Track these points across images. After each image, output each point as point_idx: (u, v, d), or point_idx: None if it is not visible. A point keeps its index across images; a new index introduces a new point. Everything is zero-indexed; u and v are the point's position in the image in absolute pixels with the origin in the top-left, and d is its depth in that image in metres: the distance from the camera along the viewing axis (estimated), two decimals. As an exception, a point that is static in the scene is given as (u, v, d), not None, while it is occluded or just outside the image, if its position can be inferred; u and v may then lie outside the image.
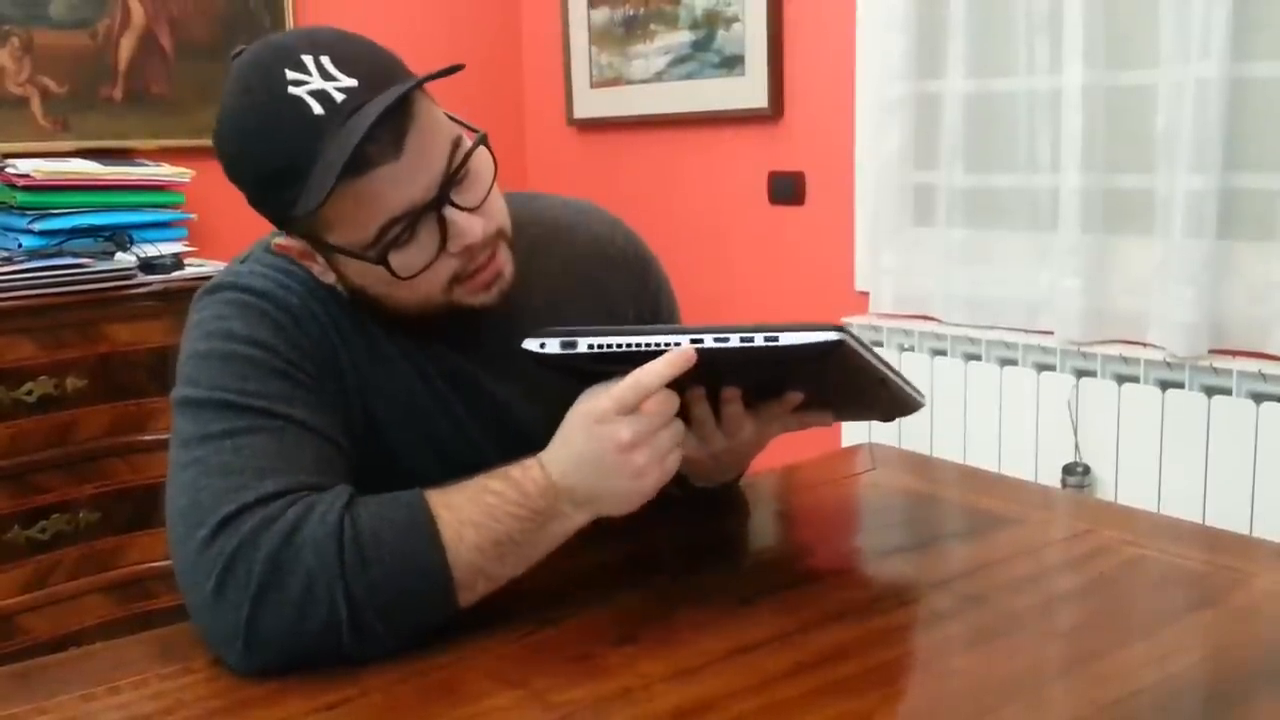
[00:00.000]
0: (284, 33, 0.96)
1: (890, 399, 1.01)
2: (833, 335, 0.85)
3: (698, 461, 1.01)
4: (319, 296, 1.01)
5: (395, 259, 0.94)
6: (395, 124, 0.90)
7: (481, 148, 0.97)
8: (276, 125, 0.90)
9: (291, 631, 0.82)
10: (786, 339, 0.86)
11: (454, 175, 0.94)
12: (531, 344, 0.90)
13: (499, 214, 1.00)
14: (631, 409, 0.87)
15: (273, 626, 0.82)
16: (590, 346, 0.88)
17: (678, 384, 0.91)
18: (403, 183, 0.91)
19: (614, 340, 0.88)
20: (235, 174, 0.95)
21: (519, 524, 0.88)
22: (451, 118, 0.98)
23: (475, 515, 0.87)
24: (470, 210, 0.95)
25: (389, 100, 0.87)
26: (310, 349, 0.98)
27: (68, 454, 2.09)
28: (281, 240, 0.99)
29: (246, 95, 0.92)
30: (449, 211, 0.94)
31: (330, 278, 1.00)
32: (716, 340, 0.87)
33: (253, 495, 0.86)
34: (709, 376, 0.92)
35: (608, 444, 0.87)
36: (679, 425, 0.90)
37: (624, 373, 0.88)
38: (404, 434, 1.03)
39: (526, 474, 0.89)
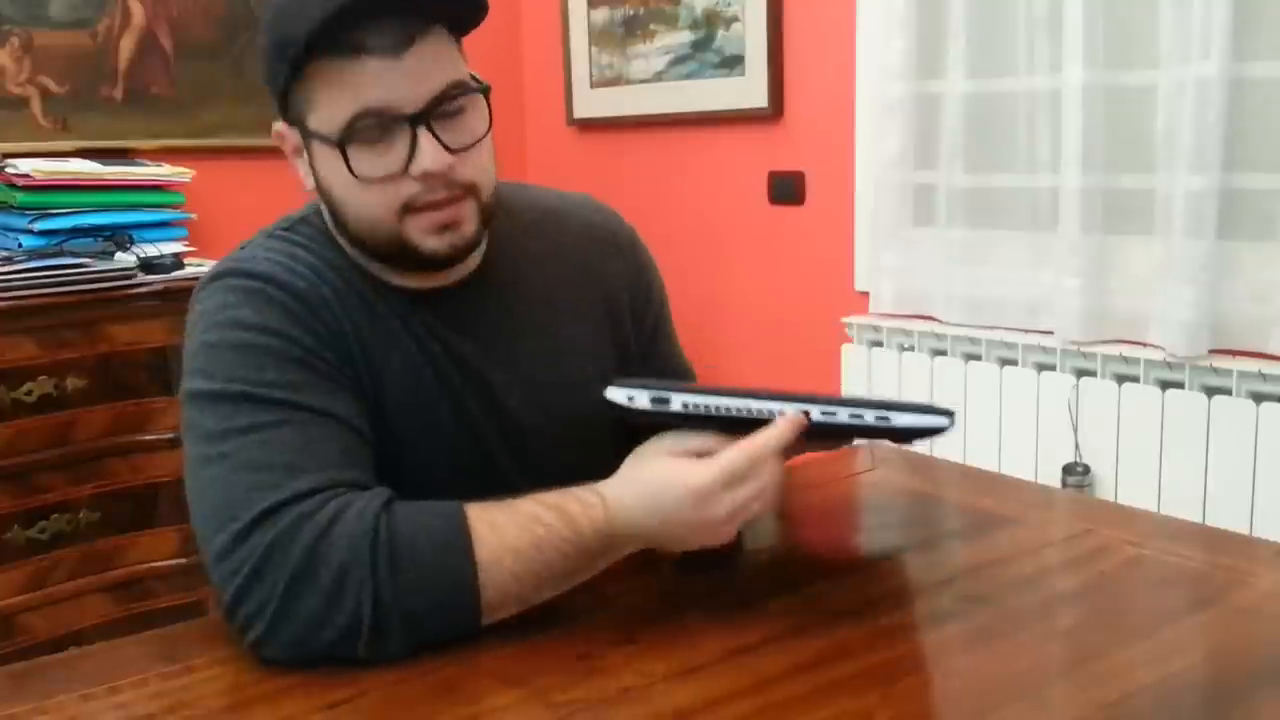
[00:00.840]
0: None
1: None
2: (945, 421, 0.85)
3: None
4: (326, 279, 1.00)
5: (357, 155, 0.94)
6: (405, 28, 0.92)
7: (480, 103, 0.98)
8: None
9: (317, 624, 0.83)
10: (900, 420, 0.85)
11: (443, 99, 0.95)
12: (618, 395, 0.89)
13: (478, 171, 0.99)
14: (740, 480, 0.87)
15: (301, 615, 0.83)
16: (685, 406, 0.88)
17: (742, 429, 0.90)
18: (388, 82, 0.93)
19: (711, 402, 0.87)
20: (261, 46, 0.97)
21: (565, 560, 0.88)
22: (472, 76, 0.99)
23: (520, 544, 0.87)
24: (448, 149, 0.95)
25: None
26: (324, 334, 0.98)
27: (68, 454, 2.09)
28: (279, 127, 1.01)
29: None
30: (423, 132, 0.94)
31: (310, 184, 1.01)
32: (824, 414, 0.86)
33: (289, 492, 0.86)
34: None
35: (703, 518, 0.88)
36: (766, 496, 0.90)
37: (713, 428, 0.88)
38: (407, 419, 1.03)
39: (587, 513, 0.89)
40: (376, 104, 0.93)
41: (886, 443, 1.29)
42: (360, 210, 0.98)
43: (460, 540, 0.85)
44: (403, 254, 0.99)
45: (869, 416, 0.86)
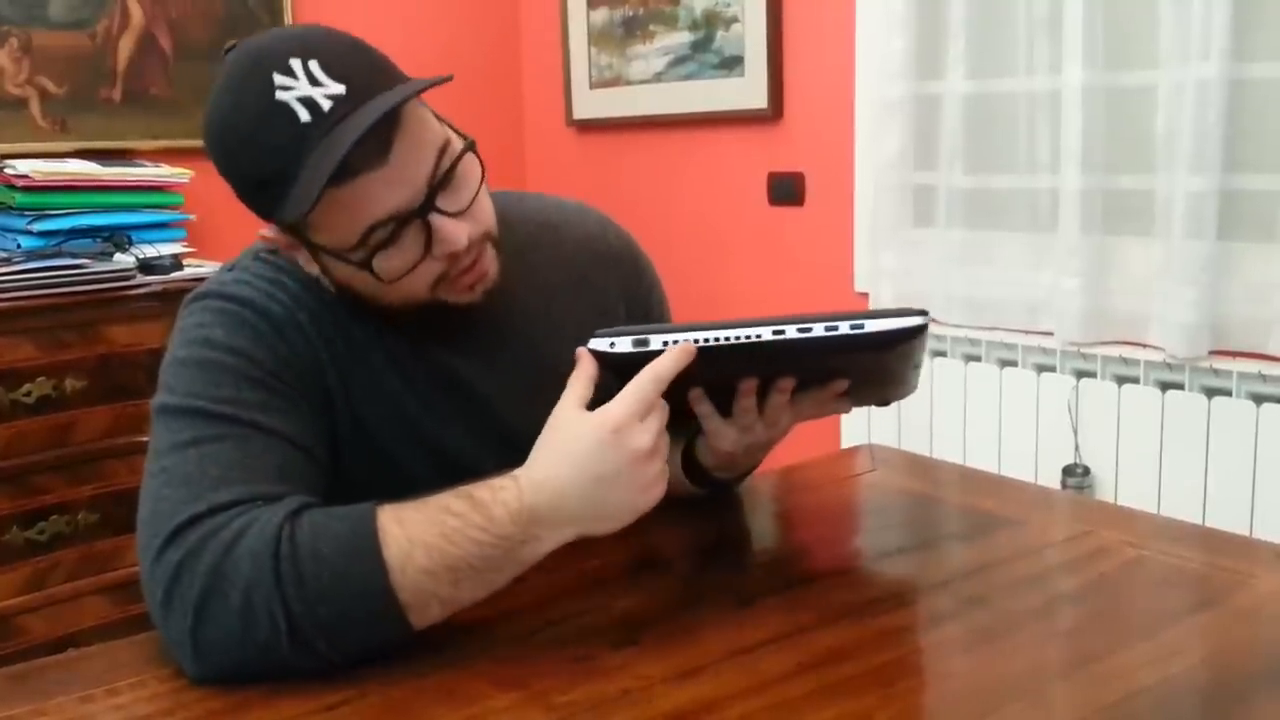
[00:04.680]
0: (276, 32, 0.96)
1: (905, 382, 1.02)
2: (920, 320, 0.86)
3: (728, 453, 1.02)
4: (304, 305, 1.00)
5: (379, 262, 0.94)
6: (382, 131, 0.89)
7: (469, 154, 0.97)
8: (263, 132, 0.89)
9: (236, 642, 0.81)
10: (874, 326, 0.86)
11: (439, 182, 0.94)
12: (599, 343, 0.88)
13: (485, 217, 1.00)
14: (652, 407, 0.85)
15: (217, 636, 0.82)
16: (665, 344, 0.87)
17: (728, 375, 0.90)
18: (388, 189, 0.91)
19: (690, 335, 0.87)
20: (223, 171, 0.95)
21: (480, 549, 0.83)
22: (440, 119, 0.98)
23: (429, 537, 0.83)
24: (455, 215, 0.95)
25: (375, 115, 0.87)
26: (291, 357, 0.97)
27: (66, 455, 2.09)
28: (268, 232, 0.99)
29: (235, 98, 0.92)
30: (434, 217, 0.94)
31: (315, 269, 1.00)
32: (800, 331, 0.86)
33: (205, 505, 0.85)
34: (763, 367, 0.92)
35: (630, 453, 0.84)
36: (668, 437, 0.88)
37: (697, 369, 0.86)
38: (395, 437, 1.03)
39: (496, 496, 0.84)
40: (384, 215, 0.92)
41: (886, 443, 1.29)
42: (393, 297, 0.98)
43: (367, 543, 0.82)
44: (441, 312, 1.00)
45: (844, 327, 0.86)
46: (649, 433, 0.85)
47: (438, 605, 0.84)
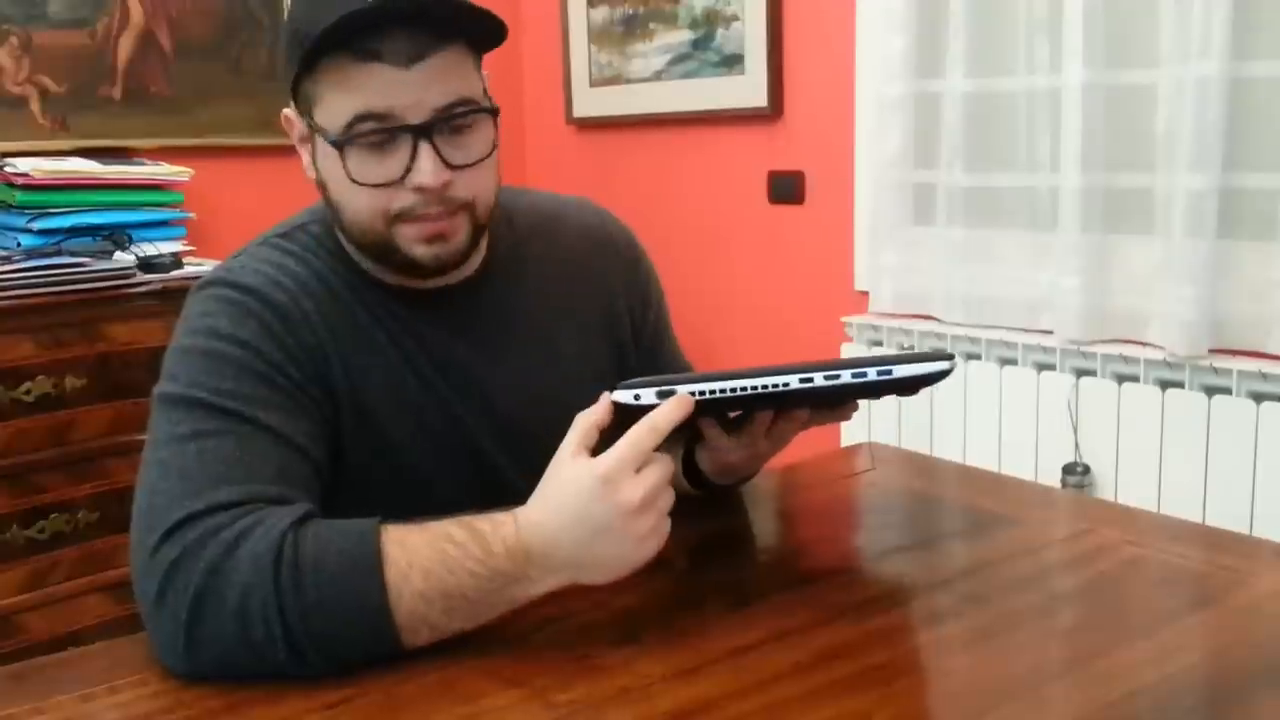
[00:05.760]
0: None
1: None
2: (947, 365, 0.86)
3: (730, 463, 1.04)
4: (310, 291, 1.01)
5: (354, 158, 0.95)
6: (421, 40, 0.92)
7: (487, 124, 0.98)
8: None
9: (230, 642, 0.81)
10: (902, 371, 0.85)
11: (446, 115, 0.95)
12: (624, 396, 0.86)
13: (477, 189, 0.99)
14: (645, 459, 0.84)
15: (211, 636, 0.82)
16: (692, 394, 0.85)
17: (747, 412, 0.89)
18: (394, 90, 0.93)
19: (717, 386, 0.85)
20: (283, 29, 0.99)
21: (474, 581, 0.83)
22: (484, 88, 0.99)
23: (428, 562, 0.83)
24: (448, 165, 0.95)
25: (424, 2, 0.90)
26: (296, 349, 0.98)
27: (66, 453, 2.09)
28: (288, 112, 1.01)
29: None
30: (423, 145, 0.94)
31: (312, 173, 1.01)
32: (828, 379, 0.85)
33: (204, 503, 0.85)
34: (782, 404, 0.91)
35: (616, 505, 0.83)
36: (673, 492, 0.87)
37: (720, 416, 0.86)
38: (397, 422, 1.03)
39: (497, 531, 0.84)
40: (379, 109, 0.93)
41: (886, 443, 1.29)
42: (356, 213, 0.98)
43: (368, 561, 0.82)
44: (390, 257, 1.00)
45: (872, 374, 0.85)
46: (642, 486, 0.83)
47: (428, 631, 0.84)
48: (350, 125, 0.94)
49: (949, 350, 2.22)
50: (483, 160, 0.98)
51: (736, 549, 1.13)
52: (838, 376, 0.85)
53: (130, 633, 0.91)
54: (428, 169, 0.94)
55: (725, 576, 1.03)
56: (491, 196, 1.02)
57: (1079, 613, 0.95)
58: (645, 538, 0.84)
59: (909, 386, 0.88)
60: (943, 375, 0.87)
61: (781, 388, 0.86)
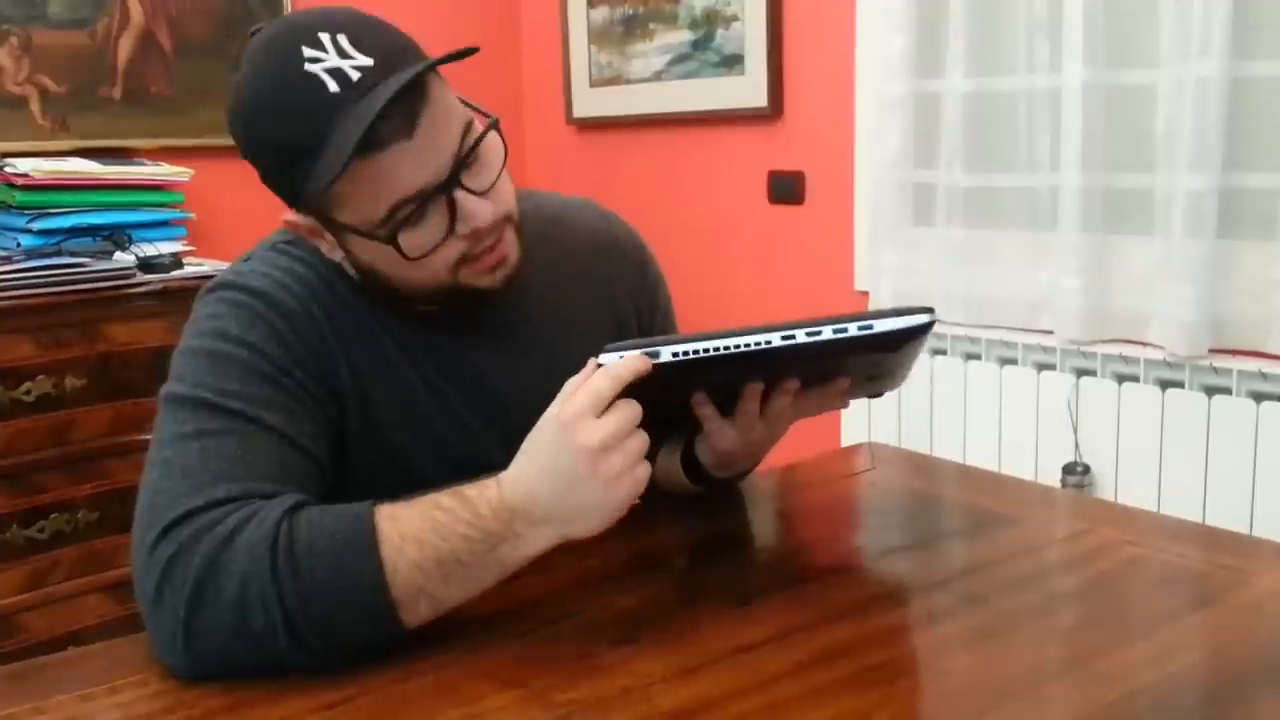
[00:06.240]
0: (301, 11, 0.96)
1: (902, 375, 1.02)
2: (927, 318, 0.86)
3: (728, 451, 1.02)
4: (318, 296, 1.01)
5: (404, 238, 0.94)
6: (409, 104, 0.90)
7: (493, 133, 0.98)
8: (293, 102, 0.90)
9: (230, 634, 0.82)
10: (883, 325, 0.86)
11: (465, 158, 0.94)
12: (609, 357, 0.87)
13: (507, 199, 1.00)
14: (605, 404, 0.84)
15: (210, 628, 0.82)
16: (675, 355, 0.86)
17: (735, 379, 0.88)
18: (414, 163, 0.92)
19: (699, 345, 0.86)
20: (250, 150, 0.95)
21: (467, 544, 0.84)
22: (465, 102, 0.98)
23: (420, 532, 0.84)
24: (479, 194, 0.95)
25: (404, 79, 0.88)
26: (303, 353, 0.98)
27: (66, 453, 2.09)
28: (291, 217, 0.99)
29: (263, 71, 0.92)
30: (459, 194, 0.94)
31: (338, 255, 1.00)
32: (809, 335, 0.86)
33: (202, 500, 0.85)
34: (769, 371, 0.91)
35: (577, 449, 0.83)
36: (645, 436, 0.87)
37: (705, 379, 0.85)
38: (404, 429, 1.03)
39: (482, 492, 0.85)
40: (410, 190, 0.92)
41: (886, 442, 1.29)
42: (415, 278, 0.98)
43: (363, 539, 0.83)
44: (459, 299, 1.00)
45: (853, 328, 0.86)
46: (601, 428, 0.84)
47: (426, 602, 0.84)
48: (389, 217, 0.93)
49: (948, 350, 2.22)
50: (502, 171, 0.99)
51: (736, 549, 1.13)
52: (819, 333, 0.86)
53: (130, 633, 0.91)
54: (473, 213, 0.94)
55: (725, 576, 1.03)
56: (514, 197, 1.02)
57: (1079, 612, 0.95)
58: (616, 479, 0.84)
59: (893, 343, 0.88)
60: (926, 329, 0.87)
61: (764, 345, 0.86)
